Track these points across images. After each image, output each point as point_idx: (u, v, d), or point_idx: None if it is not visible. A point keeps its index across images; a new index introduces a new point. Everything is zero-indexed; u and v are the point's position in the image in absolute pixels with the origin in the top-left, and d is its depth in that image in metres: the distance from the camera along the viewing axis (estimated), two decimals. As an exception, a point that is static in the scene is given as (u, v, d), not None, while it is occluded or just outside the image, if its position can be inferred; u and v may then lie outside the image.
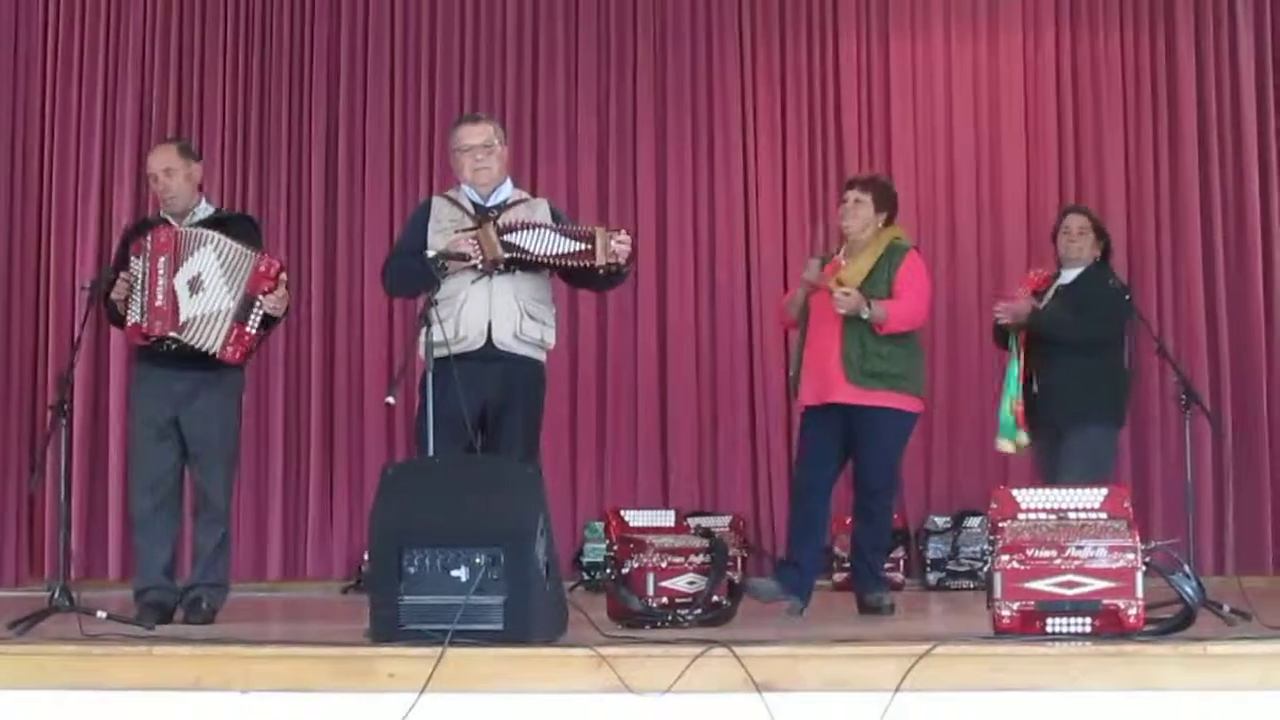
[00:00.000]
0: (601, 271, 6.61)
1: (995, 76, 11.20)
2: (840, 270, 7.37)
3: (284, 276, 7.04)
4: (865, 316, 7.18)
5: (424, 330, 6.24)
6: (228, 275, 6.86)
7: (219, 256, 6.87)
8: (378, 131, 11.30)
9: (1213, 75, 11.00)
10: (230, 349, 6.86)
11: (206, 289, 6.82)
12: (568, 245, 6.57)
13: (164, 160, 7.11)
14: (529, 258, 6.57)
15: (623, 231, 6.70)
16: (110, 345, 10.09)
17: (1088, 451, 7.57)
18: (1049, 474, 7.56)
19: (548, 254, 6.57)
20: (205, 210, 7.14)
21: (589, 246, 6.56)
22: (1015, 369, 7.78)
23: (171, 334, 6.80)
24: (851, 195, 7.57)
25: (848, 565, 8.39)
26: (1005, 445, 7.85)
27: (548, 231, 6.60)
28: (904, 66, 11.27)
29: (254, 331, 6.92)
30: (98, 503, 10.88)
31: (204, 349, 6.83)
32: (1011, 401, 7.78)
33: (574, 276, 6.85)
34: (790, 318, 7.66)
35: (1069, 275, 7.88)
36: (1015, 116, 11.15)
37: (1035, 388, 7.70)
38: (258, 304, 6.88)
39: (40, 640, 5.30)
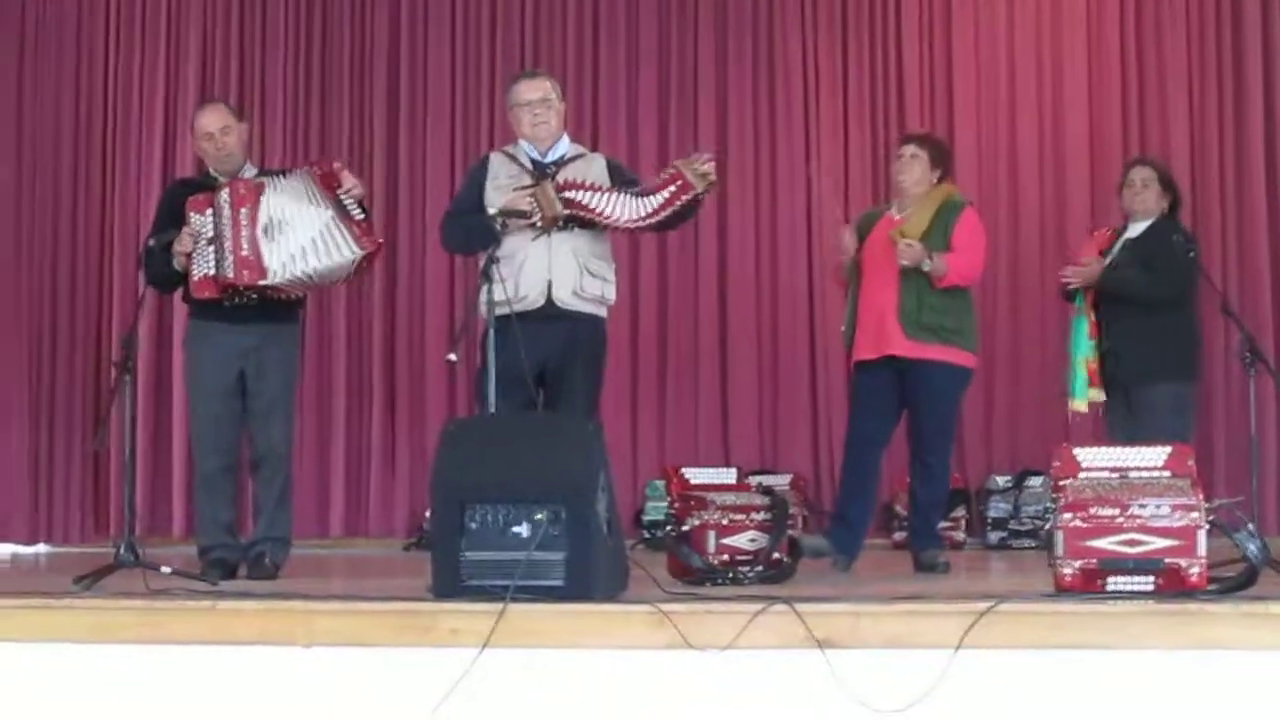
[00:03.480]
0: (703, 197, 6.57)
1: (1058, 28, 11.11)
2: (902, 223, 7.34)
3: (338, 164, 7.11)
4: (926, 269, 7.16)
5: (485, 288, 6.25)
6: (301, 203, 6.88)
7: (283, 193, 6.90)
8: (439, 87, 11.32)
9: (1278, 24, 10.88)
10: (365, 241, 6.91)
11: (287, 228, 6.84)
12: (655, 201, 6.50)
13: (220, 119, 7.14)
14: (601, 219, 6.54)
15: (698, 155, 6.68)
16: (175, 302, 10.15)
17: (1163, 407, 7.52)
18: (1120, 432, 7.50)
19: (631, 218, 6.55)
20: (251, 170, 7.17)
21: (678, 185, 6.49)
22: (1085, 326, 7.72)
23: (262, 281, 6.82)
24: (908, 150, 7.55)
25: (906, 524, 8.36)
26: (1079, 404, 7.77)
27: (623, 197, 6.53)
28: (966, 19, 11.22)
29: (363, 219, 6.96)
30: (162, 460, 10.97)
31: (333, 266, 6.89)
32: (1085, 360, 7.72)
33: (672, 222, 6.77)
34: (843, 279, 7.61)
35: (1136, 229, 7.82)
36: (1079, 69, 11.07)
37: (1105, 345, 7.65)
38: (345, 200, 6.91)
39: (105, 595, 5.34)
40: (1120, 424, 7.67)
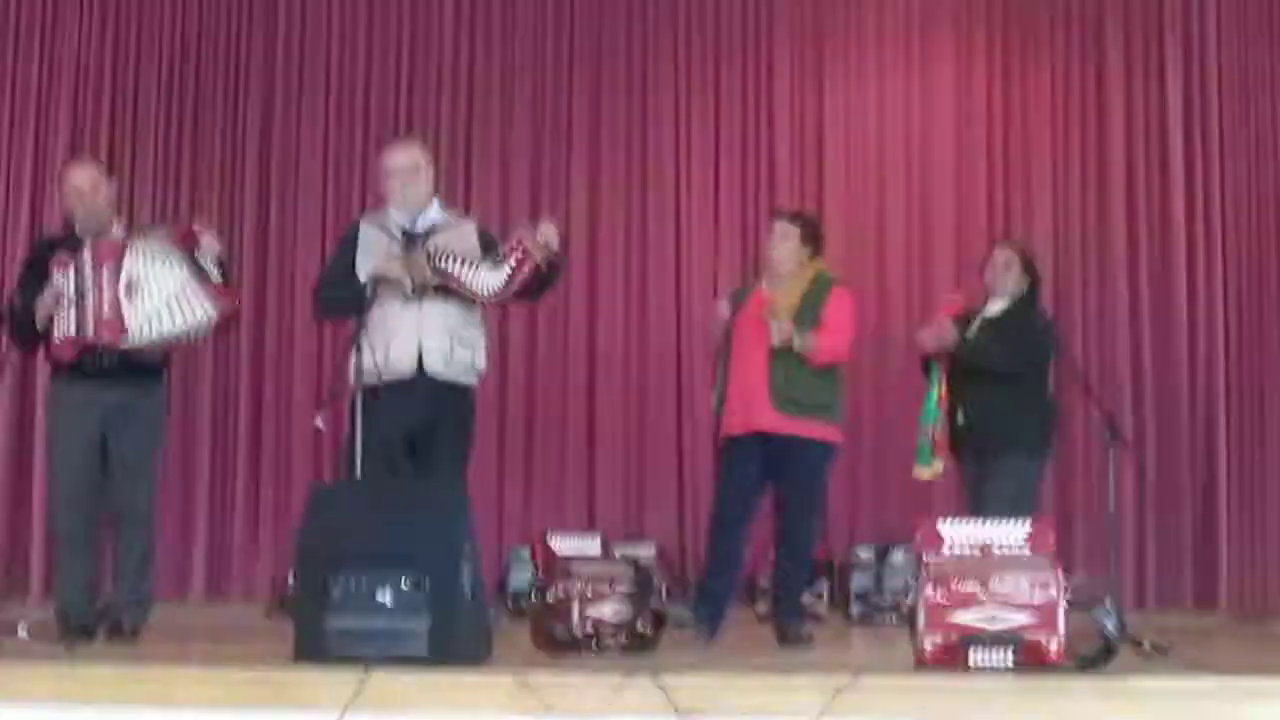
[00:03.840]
0: (544, 268, 6.55)
1: (927, 108, 11.31)
2: (773, 301, 7.39)
3: (196, 226, 7.06)
4: (797, 347, 7.21)
5: (354, 354, 6.24)
6: (158, 263, 6.81)
7: (142, 255, 6.83)
8: (311, 149, 11.30)
9: (1141, 110, 11.13)
10: (221, 302, 6.85)
11: (145, 288, 6.77)
12: (504, 272, 6.51)
13: (89, 177, 7.08)
14: (465, 291, 6.54)
15: (541, 223, 6.69)
16: (37, 362, 10.02)
17: (1012, 481, 7.60)
18: (973, 503, 7.60)
19: (487, 293, 6.54)
20: (118, 229, 7.10)
21: (520, 254, 6.50)
22: (935, 396, 7.81)
23: (122, 344, 6.77)
24: (779, 226, 7.62)
25: (770, 596, 8.38)
26: (923, 472, 7.89)
27: (482, 269, 6.52)
28: (837, 95, 11.39)
29: (220, 281, 6.90)
30: (21, 519, 10.78)
31: (189, 328, 6.83)
32: (930, 428, 7.82)
33: (527, 293, 6.79)
34: (717, 336, 7.59)
35: (995, 307, 7.93)
36: (946, 149, 11.26)
37: (960, 417, 7.72)
38: (201, 258, 6.85)
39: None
40: (970, 494, 7.76)
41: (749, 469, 7.35)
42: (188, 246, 6.86)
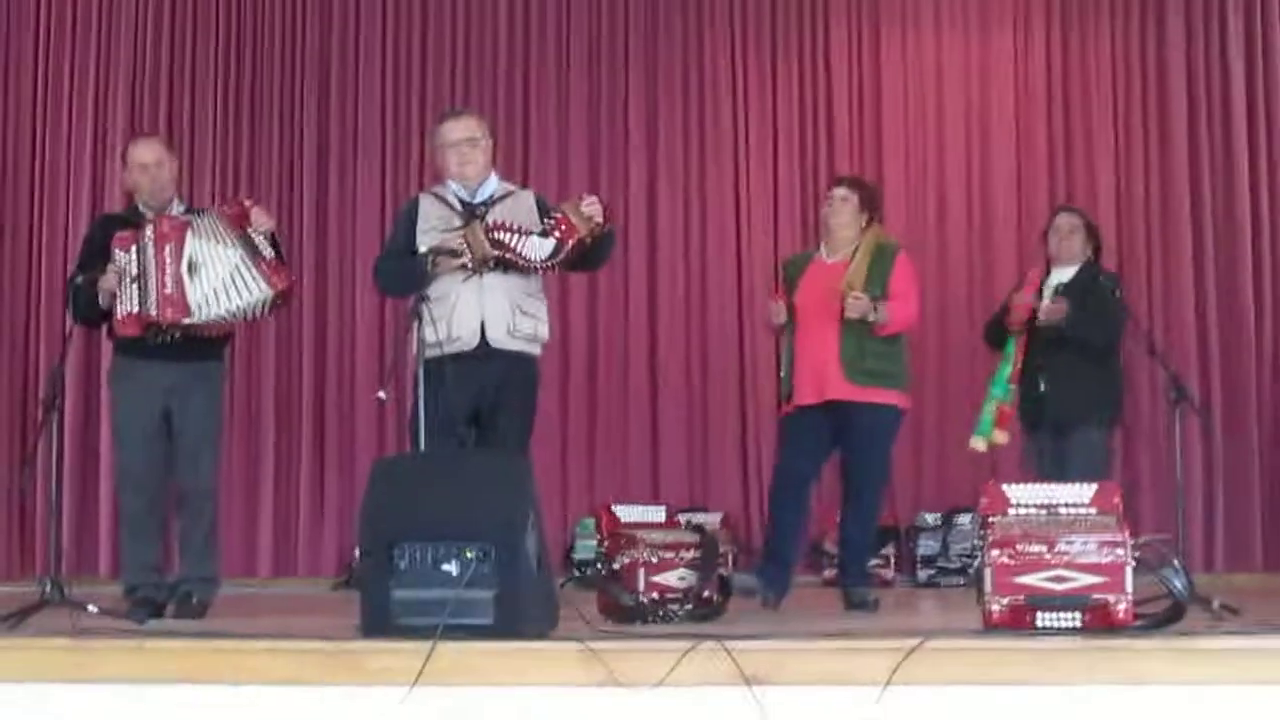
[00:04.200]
0: (589, 240, 6.56)
1: (986, 74, 11.24)
2: (841, 271, 7.38)
3: (247, 202, 7.10)
4: (872, 319, 7.21)
5: (415, 327, 6.26)
6: (216, 241, 6.84)
7: (202, 234, 6.87)
8: (370, 123, 11.31)
9: (1203, 73, 11.04)
10: (276, 279, 6.88)
11: (204, 267, 6.81)
12: (551, 244, 6.53)
13: (155, 152, 7.15)
14: (521, 261, 6.55)
15: (584, 196, 6.68)
16: (102, 339, 10.12)
17: (1089, 453, 7.61)
18: (1048, 474, 7.57)
19: (539, 261, 6.55)
20: (179, 207, 7.16)
21: (564, 229, 6.51)
22: (1008, 370, 7.80)
23: (185, 320, 6.81)
24: (839, 193, 7.61)
25: (837, 562, 8.38)
26: (979, 444, 7.91)
27: (533, 239, 6.54)
28: (895, 63, 11.33)
29: (273, 258, 6.93)
30: (89, 498, 10.85)
31: (248, 305, 6.86)
32: (997, 403, 7.80)
33: (575, 264, 6.81)
34: (776, 326, 7.62)
35: (1063, 274, 7.90)
36: (1005, 115, 11.20)
37: (1042, 385, 7.71)
38: (255, 237, 6.89)
39: (31, 634, 5.30)
40: (1044, 465, 7.73)
41: (816, 435, 7.38)
42: (241, 224, 6.89)
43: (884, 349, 7.36)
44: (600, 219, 6.56)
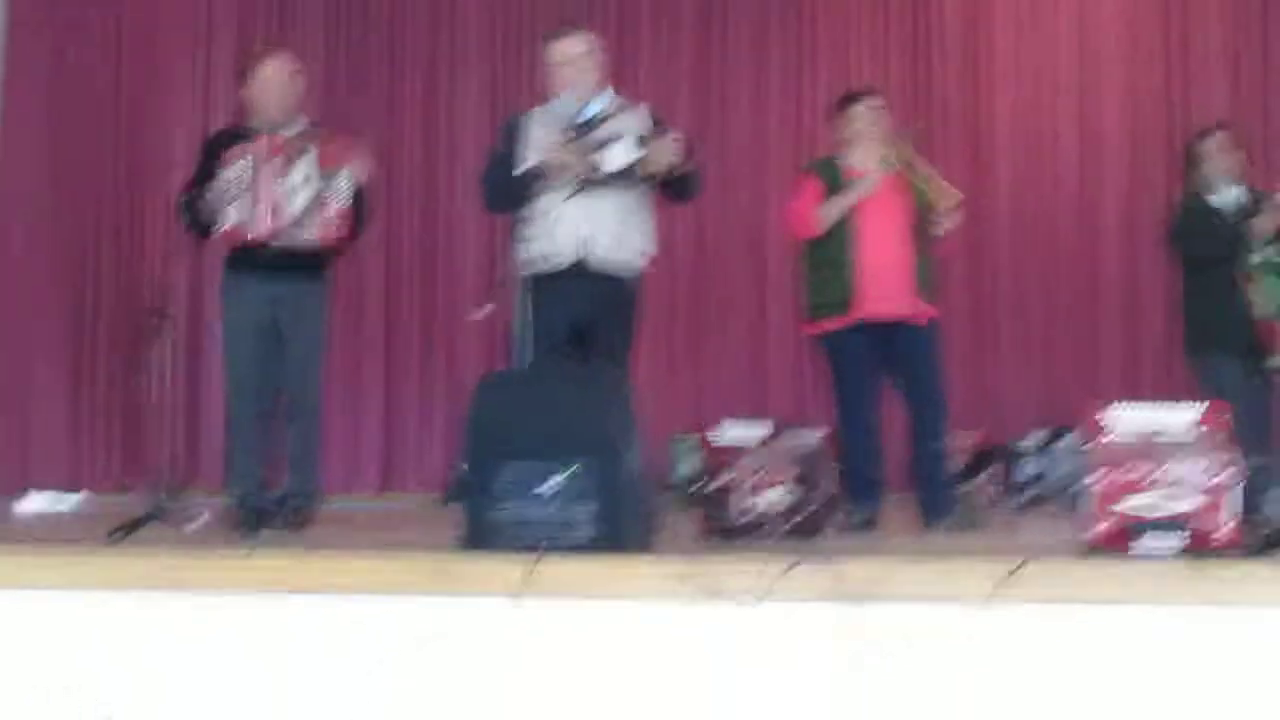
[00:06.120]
0: (659, 176, 6.54)
1: (1096, 7, 11.17)
2: (929, 190, 7.32)
3: (351, 148, 7.17)
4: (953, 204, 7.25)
5: (517, 245, 6.27)
6: (302, 173, 6.96)
7: (298, 160, 6.98)
8: (476, 41, 11.34)
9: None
10: (320, 234, 7.01)
11: (294, 194, 6.94)
12: (634, 155, 6.49)
13: (288, 67, 7.26)
14: (614, 176, 6.53)
15: (667, 133, 6.61)
16: (211, 249, 10.26)
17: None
18: (1247, 401, 7.23)
19: (617, 169, 6.51)
20: (301, 122, 7.22)
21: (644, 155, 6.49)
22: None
23: (275, 242, 6.94)
24: (874, 101, 7.56)
25: (922, 483, 8.33)
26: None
27: (616, 147, 6.50)
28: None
29: (343, 208, 7.01)
30: (199, 409, 10.99)
31: (311, 241, 6.98)
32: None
33: (664, 189, 6.76)
34: (819, 228, 7.41)
35: (1238, 192, 7.70)
36: (1116, 50, 11.19)
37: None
38: (340, 181, 6.99)
39: (140, 544, 5.38)
40: (1241, 389, 7.44)
41: (872, 354, 7.32)
42: (336, 162, 6.97)
43: (932, 261, 7.40)
44: (677, 159, 6.50)
